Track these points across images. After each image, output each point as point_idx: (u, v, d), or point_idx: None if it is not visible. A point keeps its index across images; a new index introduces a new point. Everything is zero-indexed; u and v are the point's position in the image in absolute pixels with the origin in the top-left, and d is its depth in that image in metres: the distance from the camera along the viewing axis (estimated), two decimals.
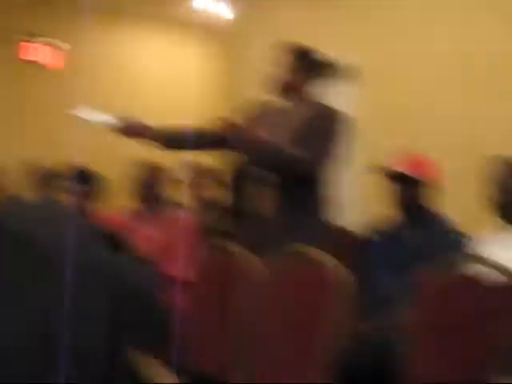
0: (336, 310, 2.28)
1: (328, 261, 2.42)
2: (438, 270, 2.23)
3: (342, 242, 4.02)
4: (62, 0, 5.25)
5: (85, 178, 3.74)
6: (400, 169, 3.01)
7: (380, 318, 2.82)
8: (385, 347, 2.60)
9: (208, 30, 6.06)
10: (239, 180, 3.09)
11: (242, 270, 2.70)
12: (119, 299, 1.49)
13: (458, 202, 3.67)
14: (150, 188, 3.90)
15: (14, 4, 5.67)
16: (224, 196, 3.71)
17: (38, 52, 6.02)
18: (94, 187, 3.81)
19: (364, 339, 2.83)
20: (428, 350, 2.14)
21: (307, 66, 3.04)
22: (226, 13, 5.73)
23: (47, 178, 4.55)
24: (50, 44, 6.03)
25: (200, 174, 4.36)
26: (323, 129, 2.88)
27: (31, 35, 5.97)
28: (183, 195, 4.35)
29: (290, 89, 3.00)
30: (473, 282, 2.09)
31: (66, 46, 6.00)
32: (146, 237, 3.63)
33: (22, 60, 5.99)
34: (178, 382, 2.02)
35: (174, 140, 3.07)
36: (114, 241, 1.78)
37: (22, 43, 5.98)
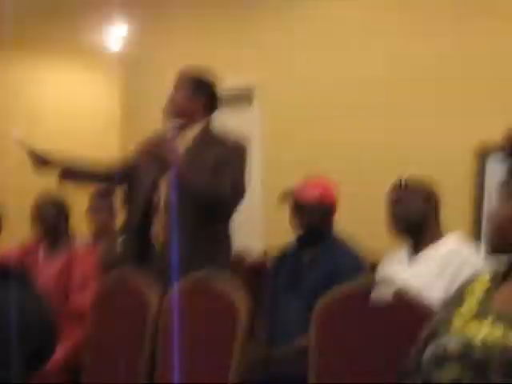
0: (237, 336, 2.28)
1: (229, 288, 2.42)
2: (338, 293, 2.26)
3: (245, 268, 4.07)
4: None
5: None
6: (298, 194, 3.05)
7: (285, 343, 2.84)
8: (290, 373, 2.63)
9: (109, 57, 5.99)
10: (146, 206, 3.05)
11: (144, 299, 2.67)
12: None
13: (362, 223, 3.77)
14: (51, 220, 3.78)
15: None
16: (125, 221, 3.65)
17: None
18: None
19: (271, 364, 2.85)
20: (328, 373, 2.16)
21: (205, 93, 3.06)
22: (127, 41, 5.70)
23: None
24: None
25: (99, 198, 4.28)
26: (234, 164, 2.92)
27: None
28: (86, 224, 4.28)
29: (187, 116, 3.01)
30: (373, 304, 2.12)
31: None
32: (45, 269, 3.53)
33: None
34: None
35: (69, 172, 3.16)
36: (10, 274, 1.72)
37: None
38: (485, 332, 1.52)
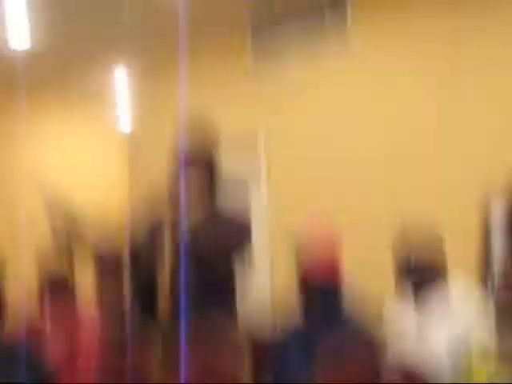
0: None
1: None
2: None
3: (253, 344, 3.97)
4: None
5: None
6: (310, 273, 2.98)
7: None
8: None
9: (110, 130, 6.11)
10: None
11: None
12: None
13: (365, 264, 3.75)
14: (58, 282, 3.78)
15: None
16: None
17: None
18: None
19: None
20: None
21: (212, 177, 3.01)
22: (132, 105, 5.82)
23: None
24: None
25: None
26: (237, 242, 2.92)
27: None
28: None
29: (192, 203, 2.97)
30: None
31: None
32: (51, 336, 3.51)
33: None
34: None
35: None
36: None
37: None
38: None
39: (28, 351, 1.75)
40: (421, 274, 2.67)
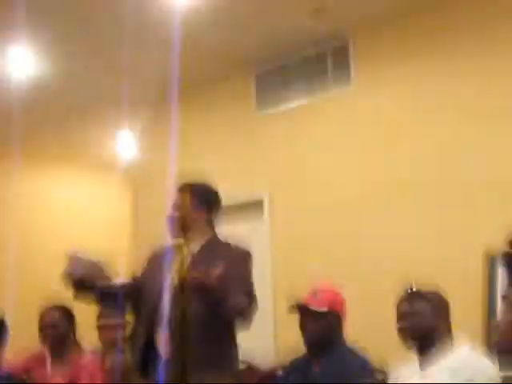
0: None
1: None
2: None
3: (257, 378, 3.99)
4: None
5: None
6: (307, 302, 3.03)
7: None
8: None
9: (117, 169, 6.14)
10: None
11: None
12: None
13: (367, 330, 3.74)
14: (58, 330, 3.77)
15: None
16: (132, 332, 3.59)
17: None
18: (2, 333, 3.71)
19: None
20: None
21: (207, 202, 3.07)
22: (134, 153, 5.86)
23: None
24: None
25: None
26: (245, 273, 2.92)
27: None
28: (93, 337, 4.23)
29: (190, 227, 3.01)
30: None
31: None
32: (52, 379, 3.49)
33: None
34: None
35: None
36: None
37: None
38: None
39: None
40: (425, 336, 2.66)
